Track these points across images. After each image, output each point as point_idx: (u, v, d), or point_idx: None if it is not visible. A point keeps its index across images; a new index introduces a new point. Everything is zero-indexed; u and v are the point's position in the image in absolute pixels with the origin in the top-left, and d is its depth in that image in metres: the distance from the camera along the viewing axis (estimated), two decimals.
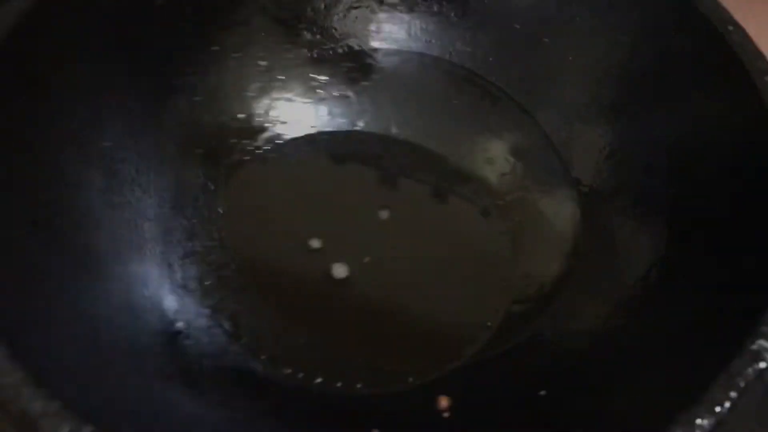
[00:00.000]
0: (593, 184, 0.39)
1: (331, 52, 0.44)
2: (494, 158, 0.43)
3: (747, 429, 0.23)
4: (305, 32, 0.43)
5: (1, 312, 0.25)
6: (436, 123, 0.44)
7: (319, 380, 0.34)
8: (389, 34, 0.44)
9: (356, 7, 0.44)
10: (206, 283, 0.37)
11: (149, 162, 0.37)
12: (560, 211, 0.39)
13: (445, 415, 0.33)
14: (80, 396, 0.24)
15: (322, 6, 0.43)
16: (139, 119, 0.38)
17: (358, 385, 0.34)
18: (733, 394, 0.24)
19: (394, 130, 0.44)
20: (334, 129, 0.44)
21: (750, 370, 0.24)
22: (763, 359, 0.25)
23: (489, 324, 0.37)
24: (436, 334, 0.37)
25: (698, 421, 0.23)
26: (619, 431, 0.28)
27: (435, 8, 0.44)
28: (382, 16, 0.44)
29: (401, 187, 0.43)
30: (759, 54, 0.33)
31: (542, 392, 0.31)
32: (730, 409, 0.24)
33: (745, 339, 0.25)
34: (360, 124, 0.44)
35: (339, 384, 0.34)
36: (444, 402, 0.33)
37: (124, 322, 0.32)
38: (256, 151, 0.43)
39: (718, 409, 0.23)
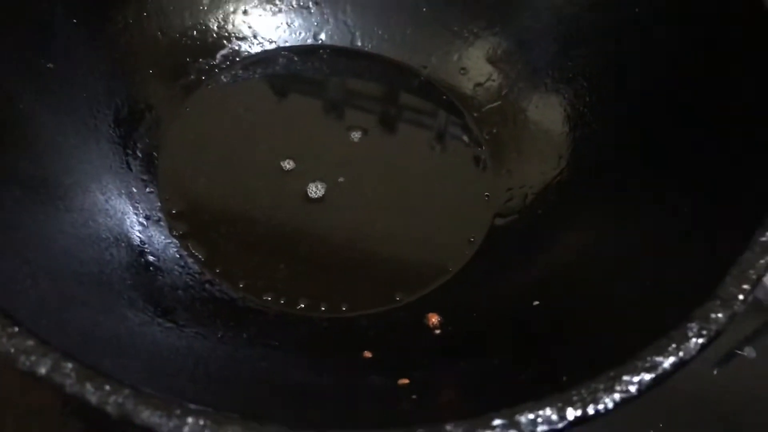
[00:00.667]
0: (573, 87, 0.37)
1: None
2: (468, 68, 0.41)
3: None
4: None
5: None
6: (403, 33, 0.41)
7: (302, 305, 0.33)
8: None
9: None
10: (173, 211, 0.35)
11: (100, 83, 0.34)
12: (541, 119, 0.38)
13: (437, 332, 0.31)
14: (55, 332, 0.22)
15: None
16: (84, 37, 0.34)
17: (343, 308, 0.33)
18: (746, 286, 0.23)
19: (359, 43, 0.41)
20: (296, 44, 0.41)
21: (763, 262, 0.23)
22: None
23: (472, 239, 0.36)
24: (420, 252, 0.36)
25: (713, 315, 0.22)
26: (615, 338, 0.27)
27: None
28: None
29: (371, 105, 0.41)
30: None
31: (536, 303, 0.30)
32: (743, 301, 0.23)
33: (753, 233, 0.24)
34: (322, 37, 0.42)
35: (323, 307, 0.33)
36: (434, 319, 0.32)
37: (91, 255, 0.29)
38: (214, 70, 0.40)
39: (732, 303, 0.23)
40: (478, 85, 0.40)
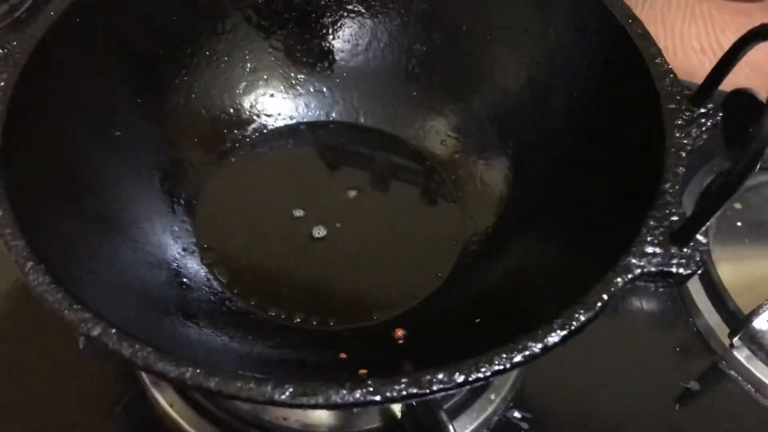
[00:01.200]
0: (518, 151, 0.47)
1: (307, 55, 0.52)
2: (445, 140, 0.50)
3: None
4: (285, 38, 0.51)
5: (55, 262, 0.32)
6: (397, 112, 0.51)
7: (298, 319, 0.42)
8: (357, 38, 0.52)
9: (328, 16, 0.52)
10: (205, 245, 0.45)
11: (154, 147, 0.45)
12: (496, 178, 0.47)
13: (400, 342, 0.40)
14: (108, 312, 0.31)
15: (299, 16, 0.51)
16: (145, 113, 0.46)
17: (331, 322, 0.42)
18: (604, 296, 0.31)
19: (362, 119, 0.52)
20: (312, 120, 0.52)
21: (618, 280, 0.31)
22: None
23: (440, 274, 0.44)
24: (396, 282, 0.45)
25: (576, 315, 0.30)
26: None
27: (395, 15, 0.51)
28: (348, 22, 0.52)
29: (368, 168, 0.50)
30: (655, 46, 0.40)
31: (477, 320, 0.39)
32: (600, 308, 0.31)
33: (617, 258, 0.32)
34: (333, 115, 0.52)
35: (315, 321, 0.42)
36: (399, 333, 0.40)
37: (139, 273, 0.39)
38: (245, 140, 0.50)
39: (592, 308, 0.31)
40: (455, 153, 0.50)
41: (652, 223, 0.33)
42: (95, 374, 0.43)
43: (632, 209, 0.34)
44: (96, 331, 0.29)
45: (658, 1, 0.79)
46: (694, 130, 0.37)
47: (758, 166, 0.49)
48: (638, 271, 0.32)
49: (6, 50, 0.38)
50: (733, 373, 0.48)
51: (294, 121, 0.51)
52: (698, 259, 0.33)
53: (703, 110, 0.37)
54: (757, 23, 0.75)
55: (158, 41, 0.46)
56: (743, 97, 0.58)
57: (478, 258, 0.44)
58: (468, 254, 0.45)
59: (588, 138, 0.41)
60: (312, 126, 0.52)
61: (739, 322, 0.48)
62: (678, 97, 0.38)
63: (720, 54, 0.75)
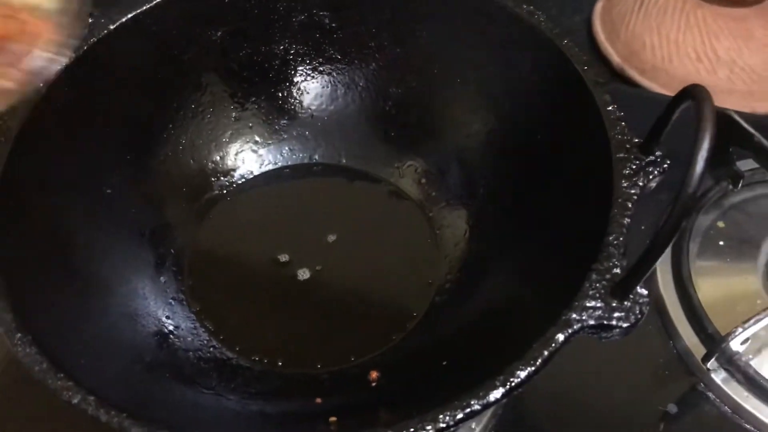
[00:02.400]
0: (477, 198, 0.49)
1: (288, 103, 0.54)
2: (422, 178, 0.53)
3: None
4: (264, 92, 0.53)
5: (43, 331, 0.35)
6: (376, 151, 0.54)
7: (280, 363, 0.45)
8: (335, 83, 0.54)
9: (307, 63, 0.54)
10: (192, 294, 0.48)
11: (144, 201, 0.48)
12: (461, 222, 0.49)
13: (374, 384, 0.42)
14: (90, 378, 0.35)
15: (277, 72, 0.53)
16: (135, 168, 0.49)
17: (310, 365, 0.45)
18: (545, 352, 0.33)
19: (344, 161, 0.54)
20: (296, 162, 0.54)
21: (560, 336, 0.33)
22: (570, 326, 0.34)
23: (415, 314, 0.47)
24: (374, 324, 0.47)
25: (517, 372, 0.33)
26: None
27: (370, 60, 0.53)
28: (326, 68, 0.54)
29: (350, 208, 0.53)
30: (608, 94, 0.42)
31: (444, 362, 0.41)
32: (542, 363, 0.33)
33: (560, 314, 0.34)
34: (316, 157, 0.54)
35: (295, 365, 0.45)
36: (374, 375, 0.43)
37: (127, 326, 0.42)
38: (232, 186, 0.53)
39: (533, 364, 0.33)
40: (430, 191, 0.52)
41: (594, 276, 0.35)
42: None
43: (577, 261, 0.36)
44: (76, 399, 0.33)
45: (653, 9, 0.79)
46: (641, 180, 0.38)
47: (738, 187, 0.51)
48: (578, 325, 0.34)
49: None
50: (711, 395, 0.50)
51: (279, 165, 0.54)
52: (638, 311, 0.34)
53: (651, 158, 0.39)
54: (752, 29, 0.75)
55: (147, 100, 0.49)
56: (722, 118, 0.59)
57: (450, 299, 0.46)
58: (442, 293, 0.47)
59: (541, 185, 0.43)
60: (296, 169, 0.54)
61: (714, 344, 0.49)
62: (627, 146, 0.39)
63: (715, 62, 0.76)
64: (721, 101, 0.72)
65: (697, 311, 0.52)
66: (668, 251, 0.56)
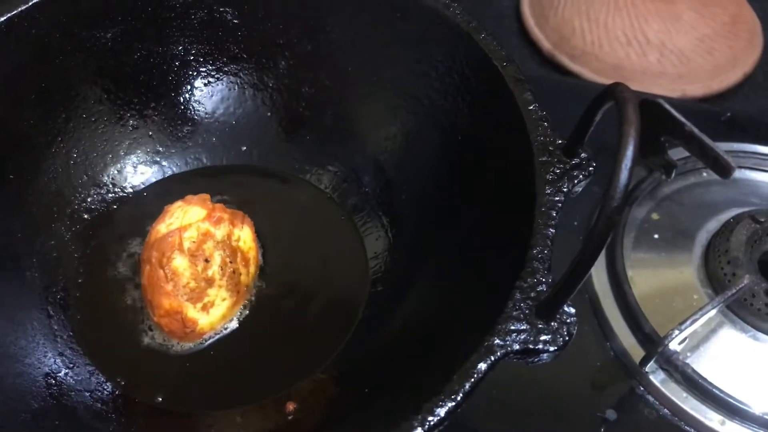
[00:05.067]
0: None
1: (191, 109, 0.50)
2: (341, 184, 0.49)
3: None
4: (168, 95, 0.49)
5: None
6: (290, 156, 0.50)
7: (184, 403, 0.41)
8: (244, 85, 0.50)
9: (210, 63, 0.50)
10: (85, 329, 0.43)
11: (29, 226, 0.43)
12: (381, 232, 0.45)
13: (290, 417, 0.39)
14: None
15: (177, 75, 0.49)
16: (18, 189, 0.44)
17: (228, 403, 0.40)
18: (467, 385, 0.30)
19: (258, 164, 0.50)
20: (208, 166, 0.50)
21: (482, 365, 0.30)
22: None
23: (339, 341, 0.43)
24: (295, 355, 0.43)
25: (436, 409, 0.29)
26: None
27: (280, 59, 0.49)
28: (233, 68, 0.50)
29: (273, 212, 0.49)
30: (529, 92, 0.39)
31: (366, 390, 0.38)
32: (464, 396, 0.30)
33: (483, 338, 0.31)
34: (225, 161, 0.50)
35: (202, 404, 0.40)
36: (291, 407, 0.39)
37: (8, 369, 0.38)
38: (130, 201, 0.48)
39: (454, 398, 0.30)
40: (352, 195, 0.49)
41: (518, 295, 0.32)
42: None
43: (500, 277, 0.33)
44: None
45: None
46: (565, 185, 0.35)
47: (673, 176, 0.49)
48: (502, 351, 0.31)
49: None
50: (650, 398, 0.48)
51: (188, 168, 0.49)
52: (566, 332, 0.32)
53: (575, 161, 0.36)
54: (680, 11, 0.73)
55: (28, 111, 0.44)
56: (650, 106, 0.57)
57: (374, 318, 0.43)
58: (367, 311, 0.44)
59: (464, 192, 0.40)
60: (209, 173, 0.49)
61: (652, 346, 0.47)
62: (550, 148, 0.36)
63: (645, 45, 0.74)
64: (652, 85, 0.71)
65: (633, 310, 0.50)
66: None
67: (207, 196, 0.45)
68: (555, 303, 0.31)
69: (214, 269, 0.42)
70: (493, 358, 0.30)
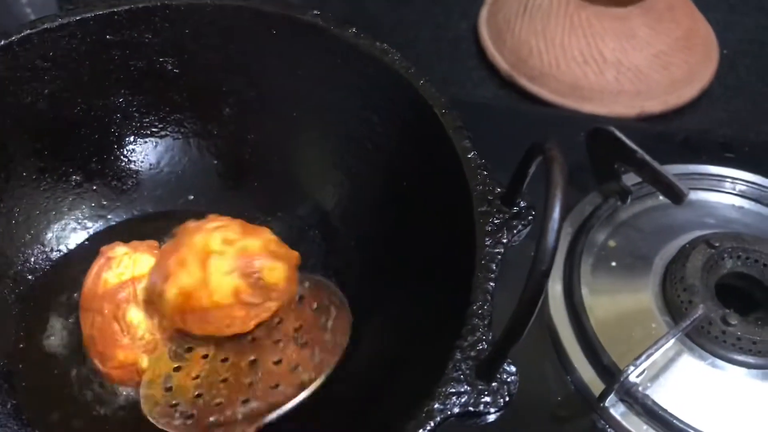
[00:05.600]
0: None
1: (138, 159, 0.49)
2: (291, 232, 0.48)
3: None
4: (111, 147, 0.48)
5: None
6: (238, 205, 0.49)
7: None
8: (188, 134, 0.50)
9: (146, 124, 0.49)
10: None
11: None
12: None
13: None
14: None
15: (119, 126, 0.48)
16: None
17: None
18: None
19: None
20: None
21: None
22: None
23: None
24: None
25: None
26: None
27: (223, 106, 0.49)
28: (175, 117, 0.49)
29: None
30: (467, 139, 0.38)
31: None
32: None
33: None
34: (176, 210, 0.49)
35: None
36: None
37: None
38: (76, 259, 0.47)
39: None
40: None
41: (458, 355, 0.32)
42: None
43: (440, 335, 0.33)
44: None
45: (536, 13, 0.77)
46: (505, 236, 0.35)
47: (633, 199, 0.48)
48: (442, 416, 0.30)
49: None
50: (611, 431, 0.47)
51: (134, 216, 0.49)
52: (506, 392, 0.31)
53: (515, 210, 0.36)
54: (634, 28, 0.74)
55: None
56: (602, 134, 0.57)
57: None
58: None
59: (407, 244, 0.40)
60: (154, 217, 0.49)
61: (611, 379, 0.47)
62: (490, 198, 0.36)
63: (602, 63, 0.74)
64: (611, 102, 0.71)
65: (591, 342, 0.50)
66: (560, 274, 0.54)
67: (155, 243, 0.44)
68: (494, 362, 0.31)
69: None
70: (432, 424, 0.30)
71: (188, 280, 0.39)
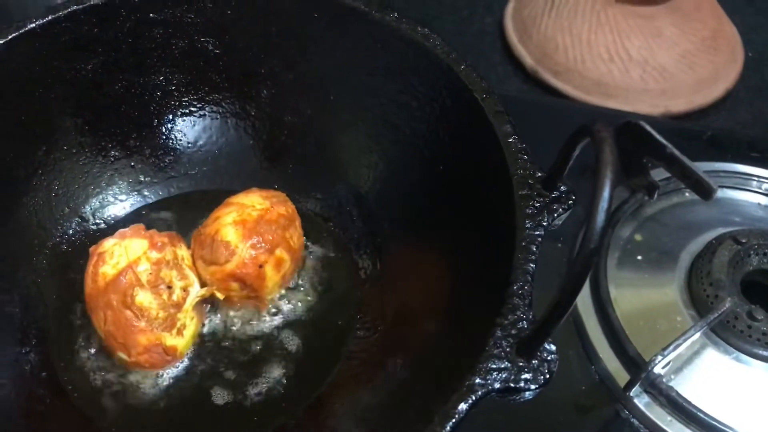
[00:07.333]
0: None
1: (176, 137, 0.50)
2: (325, 213, 0.49)
3: None
4: (150, 125, 0.49)
5: None
6: (274, 187, 0.50)
7: None
8: (226, 115, 0.50)
9: (192, 93, 0.49)
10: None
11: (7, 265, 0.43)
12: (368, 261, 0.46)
13: None
14: None
15: (158, 105, 0.49)
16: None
17: None
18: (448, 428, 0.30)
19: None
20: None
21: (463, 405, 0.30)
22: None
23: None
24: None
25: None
26: None
27: (262, 88, 0.49)
28: (214, 97, 0.50)
29: None
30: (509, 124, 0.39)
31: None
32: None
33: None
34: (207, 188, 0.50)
35: None
36: None
37: None
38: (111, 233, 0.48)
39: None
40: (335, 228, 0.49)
41: (499, 332, 0.32)
42: None
43: (481, 312, 0.33)
44: None
45: (563, 10, 0.77)
46: (545, 219, 0.35)
47: (656, 196, 0.49)
48: (483, 390, 0.31)
49: None
50: (635, 421, 0.48)
51: (171, 194, 0.49)
52: (546, 370, 0.32)
53: (555, 194, 0.36)
54: (661, 27, 0.74)
55: (7, 144, 0.44)
56: (632, 128, 0.57)
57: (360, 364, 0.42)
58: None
59: (444, 226, 0.40)
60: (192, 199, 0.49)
61: (636, 370, 0.47)
62: (530, 181, 0.36)
63: (628, 61, 0.74)
64: (635, 101, 0.71)
65: (617, 333, 0.50)
66: None
67: (141, 226, 0.44)
68: (536, 341, 0.32)
69: (177, 293, 0.42)
70: (473, 398, 0.31)
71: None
